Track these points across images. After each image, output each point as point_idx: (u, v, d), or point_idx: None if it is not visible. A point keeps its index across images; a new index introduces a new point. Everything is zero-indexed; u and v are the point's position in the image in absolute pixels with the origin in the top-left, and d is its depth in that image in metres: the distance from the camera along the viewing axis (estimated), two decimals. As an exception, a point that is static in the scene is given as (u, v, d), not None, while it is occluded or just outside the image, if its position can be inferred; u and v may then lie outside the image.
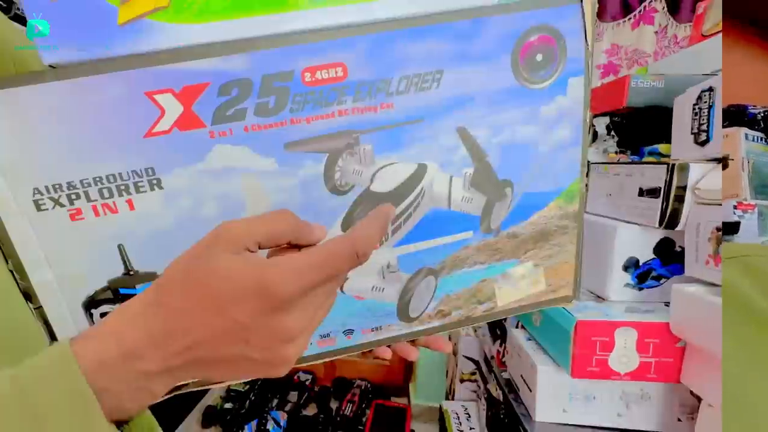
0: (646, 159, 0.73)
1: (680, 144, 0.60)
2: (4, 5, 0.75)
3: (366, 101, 0.33)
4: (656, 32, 1.62)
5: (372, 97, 0.34)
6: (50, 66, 0.30)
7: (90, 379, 0.24)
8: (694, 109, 0.57)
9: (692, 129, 0.57)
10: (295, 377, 1.42)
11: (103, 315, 0.35)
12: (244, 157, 0.33)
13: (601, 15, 1.67)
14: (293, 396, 1.33)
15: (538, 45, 0.35)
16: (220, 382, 0.29)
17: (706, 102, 0.55)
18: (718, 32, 0.88)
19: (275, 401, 1.31)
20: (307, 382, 1.40)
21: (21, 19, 0.31)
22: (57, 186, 0.32)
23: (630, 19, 1.66)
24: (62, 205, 0.32)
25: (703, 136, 0.55)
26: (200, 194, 0.33)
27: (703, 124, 0.55)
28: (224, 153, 0.33)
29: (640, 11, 1.64)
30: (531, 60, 0.35)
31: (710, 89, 0.54)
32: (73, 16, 0.30)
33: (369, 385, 1.38)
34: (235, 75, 0.31)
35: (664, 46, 1.65)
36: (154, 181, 0.32)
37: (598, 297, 0.66)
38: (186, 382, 0.35)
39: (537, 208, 0.40)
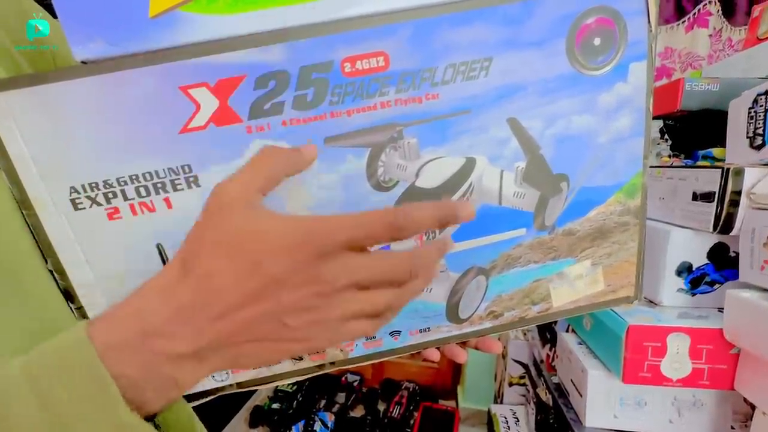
0: (699, 163, 0.68)
1: (735, 148, 0.55)
2: None
3: (410, 92, 0.29)
4: (710, 35, 1.51)
5: (416, 88, 0.29)
6: (82, 62, 0.28)
7: (107, 363, 0.20)
8: (749, 112, 0.52)
9: (747, 133, 0.52)
10: (343, 378, 1.38)
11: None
12: None
13: None
14: (341, 397, 1.29)
15: (596, 28, 0.29)
16: (252, 366, 0.25)
17: (762, 105, 0.50)
18: None
19: (323, 402, 1.28)
20: (355, 384, 1.35)
21: (49, 8, 0.29)
22: (93, 185, 0.29)
23: (684, 22, 1.55)
24: (99, 204, 0.29)
25: (759, 140, 0.50)
26: None
27: (759, 128, 0.50)
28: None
29: (694, 14, 1.53)
30: (588, 44, 0.30)
31: (766, 93, 0.49)
32: (103, 9, 0.27)
33: (417, 388, 1.32)
34: (272, 67, 0.28)
35: (719, 49, 1.53)
36: (191, 179, 0.29)
37: (651, 302, 0.61)
38: (222, 385, 0.30)
39: (595, 203, 0.34)
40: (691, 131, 0.71)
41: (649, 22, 0.30)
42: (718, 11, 1.50)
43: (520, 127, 0.31)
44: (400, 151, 0.30)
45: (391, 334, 0.35)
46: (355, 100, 0.29)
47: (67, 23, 0.27)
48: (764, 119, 0.49)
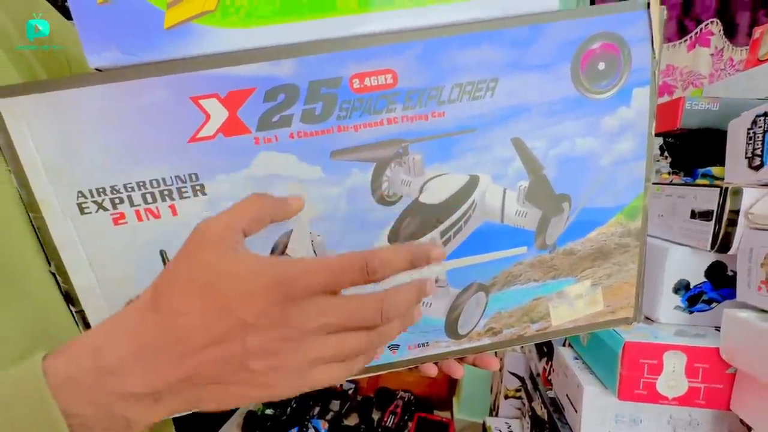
0: (699, 181, 0.68)
1: (734, 168, 0.55)
2: None
3: (416, 109, 0.30)
4: (712, 55, 1.53)
5: (423, 106, 0.30)
6: (96, 69, 0.28)
7: (60, 399, 0.20)
8: (748, 133, 0.52)
9: (746, 153, 0.52)
10: (338, 386, 1.37)
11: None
12: (289, 164, 0.30)
13: None
14: (335, 405, 1.29)
15: (601, 53, 0.30)
16: (212, 408, 0.24)
17: (761, 127, 0.50)
18: None
19: (317, 409, 1.27)
20: (350, 392, 1.35)
21: (67, 11, 0.29)
22: (101, 190, 0.29)
23: (686, 41, 1.57)
24: (105, 209, 0.30)
25: (757, 161, 0.50)
26: None
27: (757, 148, 0.51)
28: (269, 160, 0.30)
29: (696, 33, 1.54)
30: (593, 69, 0.30)
31: (765, 114, 0.49)
32: (119, 19, 0.27)
33: (412, 397, 1.32)
34: (282, 80, 0.28)
35: (720, 68, 1.55)
36: (198, 187, 0.30)
37: (647, 318, 0.61)
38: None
39: (596, 224, 0.35)
40: (691, 149, 0.71)
41: (653, 49, 0.30)
42: (719, 31, 1.51)
43: (524, 148, 0.31)
44: (405, 167, 0.31)
45: (390, 347, 0.35)
46: (362, 116, 0.29)
47: (83, 31, 0.27)
48: (762, 140, 0.49)
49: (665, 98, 1.58)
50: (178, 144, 0.29)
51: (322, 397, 1.30)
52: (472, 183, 0.32)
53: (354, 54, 0.28)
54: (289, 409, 1.21)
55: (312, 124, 0.29)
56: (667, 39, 1.56)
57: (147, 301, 0.22)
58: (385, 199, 0.31)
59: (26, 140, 0.28)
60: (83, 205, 0.29)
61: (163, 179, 0.29)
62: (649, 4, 0.30)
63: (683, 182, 0.71)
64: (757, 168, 0.50)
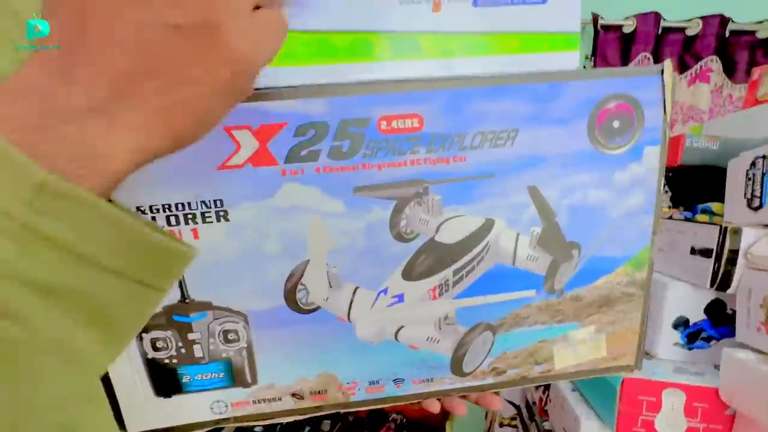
0: (699, 216, 0.69)
1: (733, 207, 0.56)
2: None
3: (439, 153, 0.31)
4: (712, 91, 1.56)
5: (445, 150, 0.31)
6: None
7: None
8: (747, 174, 0.53)
9: (745, 194, 0.53)
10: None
11: (154, 340, 0.33)
12: (312, 197, 0.31)
13: None
14: (326, 425, 1.27)
15: (616, 112, 0.32)
16: (189, 123, 0.20)
17: (759, 168, 0.51)
18: None
19: (307, 428, 1.26)
20: (341, 412, 1.33)
21: None
22: None
23: (686, 76, 1.60)
24: None
25: (756, 202, 0.51)
26: (265, 230, 0.31)
27: (756, 189, 0.52)
28: (294, 192, 0.31)
29: (696, 70, 1.58)
30: (607, 126, 0.32)
31: (764, 156, 0.51)
32: None
33: (405, 420, 1.31)
34: (313, 118, 0.30)
35: (719, 104, 1.58)
36: (221, 213, 0.31)
37: (647, 353, 0.61)
38: (220, 418, 0.29)
39: (603, 272, 0.36)
40: (691, 185, 0.72)
41: (665, 111, 0.32)
42: (719, 68, 1.55)
43: (539, 195, 0.32)
44: (424, 206, 0.32)
45: (395, 381, 0.36)
46: (387, 156, 0.30)
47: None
48: (762, 182, 0.50)
49: None
50: (208, 170, 0.30)
51: (313, 417, 1.29)
52: (487, 226, 0.33)
53: (383, 98, 0.30)
54: (279, 427, 1.21)
55: (338, 160, 0.30)
56: None
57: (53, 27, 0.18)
58: (402, 236, 0.32)
59: None
60: None
61: (189, 203, 0.30)
62: (663, 71, 0.31)
63: (683, 217, 0.72)
64: (757, 209, 0.51)
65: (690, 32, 1.55)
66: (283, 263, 0.32)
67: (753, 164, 0.52)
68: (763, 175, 0.50)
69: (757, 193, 0.51)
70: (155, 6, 0.17)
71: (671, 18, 1.54)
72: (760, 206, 0.50)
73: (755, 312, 0.47)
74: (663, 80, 0.31)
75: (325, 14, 0.28)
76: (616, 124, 0.32)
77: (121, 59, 0.18)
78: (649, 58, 1.57)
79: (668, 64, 0.31)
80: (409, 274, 0.33)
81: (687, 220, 0.68)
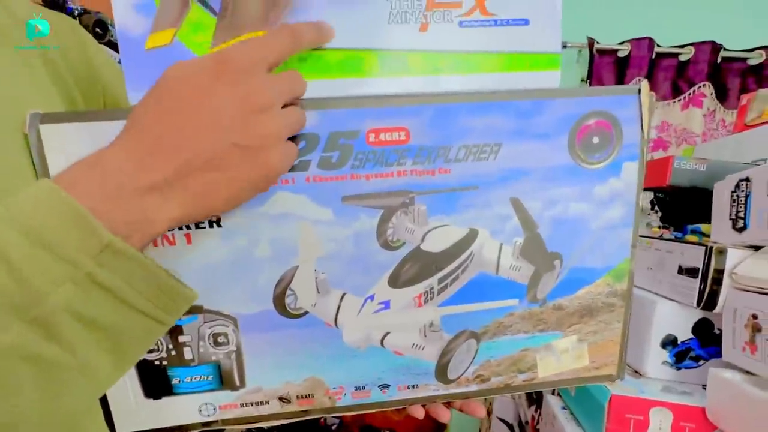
0: (688, 237, 0.70)
1: (719, 227, 0.57)
2: (100, 32, 0.78)
3: (424, 165, 0.32)
4: (704, 115, 1.60)
5: (431, 162, 0.32)
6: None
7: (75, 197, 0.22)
8: (732, 196, 0.55)
9: (730, 215, 0.55)
10: (322, 420, 1.35)
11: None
12: (302, 205, 0.32)
13: None
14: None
15: (595, 129, 0.33)
16: (221, 202, 0.27)
17: (743, 191, 0.53)
18: (760, 123, 0.86)
19: None
20: (334, 427, 1.32)
21: (115, 46, 0.32)
22: None
23: (679, 100, 1.64)
24: None
25: (741, 223, 0.53)
26: (256, 236, 0.32)
27: (740, 211, 0.53)
28: (284, 200, 0.32)
29: (689, 94, 1.62)
30: (587, 142, 0.34)
31: (747, 179, 0.52)
32: (164, 64, 0.29)
33: None
34: (305, 129, 0.31)
35: (712, 128, 1.61)
36: (214, 219, 0.32)
37: (636, 372, 0.61)
38: (208, 420, 0.34)
39: (585, 283, 0.37)
40: (681, 205, 0.74)
41: (642, 129, 0.34)
42: (711, 94, 1.59)
43: (522, 207, 0.34)
44: (410, 216, 0.33)
45: (380, 387, 0.37)
46: (374, 167, 0.32)
47: (129, 71, 0.30)
48: (745, 204, 0.51)
49: (660, 153, 1.64)
50: None
51: (305, 429, 1.28)
52: (471, 236, 0.34)
53: (372, 111, 0.31)
54: (267, 435, 1.19)
55: (328, 170, 0.32)
56: (662, 97, 1.63)
57: (127, 125, 0.26)
58: (389, 244, 0.34)
59: (62, 167, 0.29)
60: None
61: None
62: (640, 90, 0.33)
63: (673, 237, 0.73)
64: (741, 230, 0.52)
65: (683, 58, 1.59)
66: (273, 269, 0.33)
67: (737, 186, 0.53)
68: (747, 197, 0.51)
69: (741, 215, 0.52)
70: (226, 127, 0.25)
71: (664, 44, 1.59)
72: (744, 227, 0.51)
73: (740, 332, 0.47)
74: (640, 99, 0.33)
75: None
76: (595, 140, 0.33)
77: (187, 156, 0.24)
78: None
79: (645, 84, 0.33)
80: (395, 281, 0.34)
81: (676, 239, 0.69)
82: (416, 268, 0.34)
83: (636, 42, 1.60)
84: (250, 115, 0.25)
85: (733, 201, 0.54)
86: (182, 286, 0.27)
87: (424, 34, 0.32)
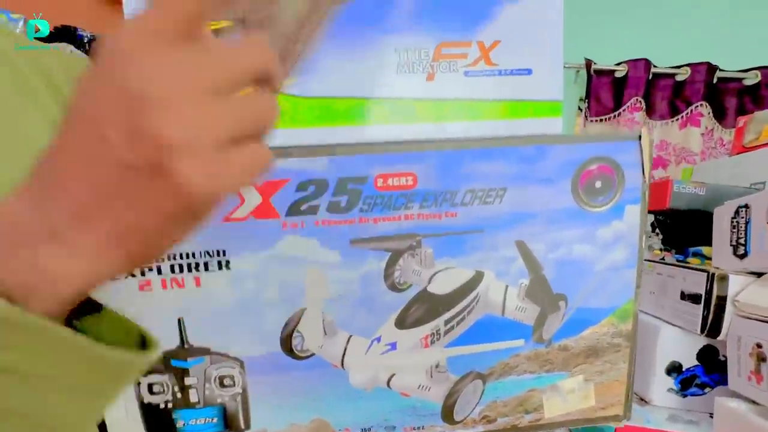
0: (690, 260, 0.70)
1: (721, 253, 0.57)
2: None
3: (431, 209, 0.33)
4: (702, 134, 1.61)
5: (437, 206, 0.33)
6: None
7: None
8: (732, 222, 0.55)
9: (731, 241, 0.54)
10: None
11: (151, 384, 0.34)
12: (311, 248, 0.33)
13: (650, 114, 1.66)
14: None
15: (598, 173, 0.34)
16: (145, 248, 0.20)
17: (743, 217, 0.53)
18: (758, 145, 0.87)
19: None
20: None
21: None
22: None
23: (677, 119, 1.65)
24: (133, 276, 0.32)
25: (742, 250, 0.52)
26: (264, 278, 0.33)
27: (741, 237, 0.53)
28: (293, 243, 0.33)
29: (687, 114, 1.63)
30: (590, 186, 0.34)
31: (746, 206, 0.52)
32: None
33: None
34: (314, 175, 0.32)
35: (711, 147, 1.63)
36: (224, 262, 0.32)
37: (641, 399, 0.61)
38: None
39: (590, 323, 0.37)
40: (681, 228, 0.74)
41: (643, 173, 0.35)
42: (708, 113, 1.60)
43: (527, 249, 0.35)
44: (417, 258, 0.34)
45: (386, 428, 0.37)
46: (382, 210, 0.33)
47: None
48: (746, 230, 0.51)
49: (659, 171, 1.65)
50: (213, 223, 0.31)
51: None
52: (477, 278, 0.35)
53: (380, 157, 0.32)
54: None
55: (336, 214, 0.32)
56: (660, 116, 1.65)
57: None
58: (396, 286, 0.34)
59: None
60: None
61: (194, 253, 0.32)
62: (640, 136, 0.34)
63: (675, 259, 0.73)
64: (742, 257, 0.51)
65: (679, 78, 1.60)
66: (280, 311, 0.33)
67: (737, 212, 0.53)
68: (747, 223, 0.51)
69: (742, 241, 0.52)
70: (112, 146, 0.18)
71: (661, 64, 1.61)
72: (746, 254, 0.51)
73: (745, 360, 0.47)
74: (641, 145, 0.34)
75: (328, 81, 0.31)
76: (598, 184, 0.34)
77: (79, 191, 0.18)
78: (640, 102, 1.62)
79: (645, 131, 0.34)
80: (402, 323, 0.34)
81: (679, 262, 0.69)
82: (423, 309, 0.35)
83: (633, 63, 1.62)
84: (135, 115, 0.17)
85: (734, 227, 0.54)
86: (121, 353, 0.21)
87: (430, 83, 0.33)
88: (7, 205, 0.19)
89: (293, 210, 0.32)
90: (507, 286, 0.35)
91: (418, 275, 0.34)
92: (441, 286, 0.34)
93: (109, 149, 0.18)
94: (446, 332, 0.35)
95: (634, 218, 0.35)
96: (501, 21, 0.33)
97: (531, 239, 0.34)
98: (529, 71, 0.33)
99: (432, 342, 0.35)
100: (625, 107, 1.63)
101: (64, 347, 0.19)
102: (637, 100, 1.61)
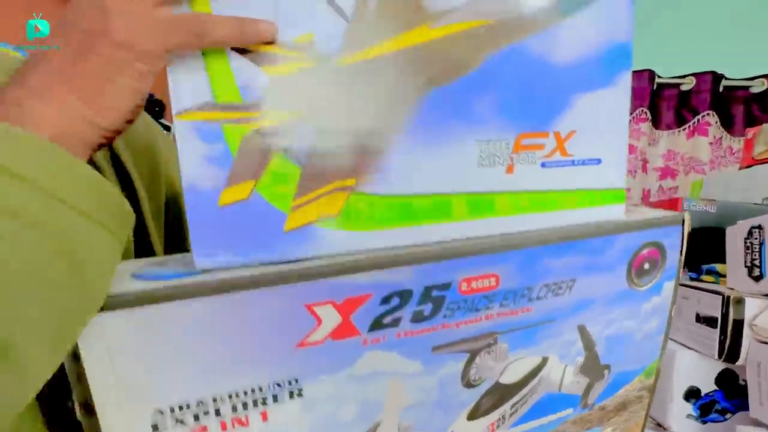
0: (704, 277, 0.70)
1: (735, 274, 0.57)
2: (158, 110, 0.74)
3: (510, 306, 0.33)
4: (711, 143, 1.60)
5: (515, 303, 0.33)
6: (203, 270, 0.26)
7: None
8: (746, 243, 0.55)
9: (745, 262, 0.55)
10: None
11: None
12: (392, 362, 0.31)
13: (656, 124, 1.65)
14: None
15: (648, 256, 0.37)
16: (117, 96, 0.25)
17: (756, 238, 0.53)
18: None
19: None
20: None
21: (167, 128, 0.30)
22: (184, 405, 0.27)
23: (684, 129, 1.63)
24: (184, 424, 0.27)
25: (757, 271, 0.53)
26: (341, 400, 0.30)
27: (755, 259, 0.53)
28: (374, 359, 0.30)
29: (694, 123, 1.61)
30: (641, 269, 0.37)
31: (760, 227, 0.52)
32: (240, 221, 0.27)
33: None
34: (399, 286, 0.29)
35: (720, 156, 1.62)
36: (296, 391, 0.29)
37: (659, 425, 0.62)
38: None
39: (624, 383, 0.41)
40: (694, 245, 0.77)
41: (681, 253, 0.38)
42: (716, 122, 1.59)
43: (586, 332, 0.37)
44: (492, 355, 0.34)
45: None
46: (464, 314, 0.32)
47: (196, 231, 0.26)
48: (760, 252, 0.51)
49: (668, 181, 1.67)
50: (284, 351, 0.28)
51: None
52: (543, 363, 0.36)
53: (464, 261, 0.31)
54: None
55: (420, 323, 0.31)
56: (666, 126, 1.65)
57: None
58: (470, 383, 0.34)
59: (102, 358, 0.24)
60: (159, 425, 0.26)
61: (260, 387, 0.28)
62: (683, 220, 0.37)
63: (688, 278, 0.74)
64: (758, 279, 0.52)
65: (684, 87, 1.61)
66: (356, 428, 0.31)
67: (750, 233, 0.54)
68: (761, 245, 0.52)
69: (757, 263, 0.52)
70: (84, 30, 0.23)
71: (665, 74, 1.60)
72: (761, 276, 0.52)
73: (767, 387, 0.47)
74: (683, 228, 0.37)
75: (409, 179, 0.29)
76: (646, 266, 0.37)
77: (54, 60, 0.23)
78: (646, 113, 1.63)
79: (687, 216, 0.37)
80: (473, 415, 0.35)
81: (692, 281, 0.68)
82: (493, 399, 0.35)
83: (636, 74, 1.60)
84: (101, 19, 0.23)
85: (747, 248, 0.54)
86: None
87: (509, 176, 0.32)
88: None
89: (375, 325, 0.29)
90: (566, 366, 0.37)
91: (491, 370, 0.34)
92: (511, 376, 0.35)
93: (82, 33, 0.23)
94: (510, 415, 0.37)
95: (669, 292, 0.39)
96: (576, 110, 0.32)
97: (590, 322, 0.36)
98: (598, 161, 0.34)
99: (497, 427, 0.36)
100: (630, 118, 1.63)
101: (65, 162, 0.22)
102: (642, 110, 1.62)
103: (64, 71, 0.23)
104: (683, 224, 0.37)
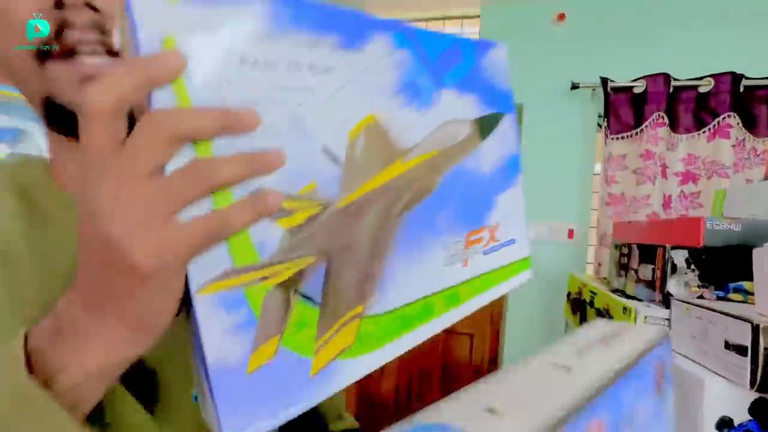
0: (732, 296, 0.68)
1: (762, 296, 0.54)
2: None
3: None
4: (734, 146, 1.54)
5: None
6: None
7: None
8: None
9: None
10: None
11: None
12: None
13: (674, 128, 1.61)
14: None
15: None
16: (152, 322, 0.24)
17: None
18: None
19: None
20: None
21: None
22: None
23: (704, 132, 1.58)
24: None
25: None
26: None
27: None
28: None
29: (714, 126, 1.56)
30: (659, 385, 0.39)
31: None
32: (268, 384, 0.26)
33: None
34: None
35: (744, 158, 1.56)
36: None
37: None
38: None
39: None
40: (718, 263, 0.70)
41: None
42: (738, 124, 1.53)
43: None
44: None
45: None
46: None
47: (223, 407, 0.24)
48: None
49: (690, 186, 1.60)
50: None
51: None
52: None
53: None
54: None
55: None
56: (685, 130, 1.59)
57: None
58: None
59: None
60: None
61: None
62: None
63: (715, 296, 0.70)
64: None
65: (702, 89, 1.57)
66: None
67: None
68: None
69: None
70: (102, 262, 0.23)
71: (681, 76, 1.55)
72: None
73: None
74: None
75: (400, 292, 0.33)
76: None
77: (89, 295, 0.24)
78: (663, 117, 1.58)
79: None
80: None
81: (719, 300, 0.66)
82: None
83: (651, 78, 1.57)
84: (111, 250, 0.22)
85: None
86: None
87: (466, 268, 0.39)
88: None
89: None
90: None
91: None
92: None
93: (102, 265, 0.23)
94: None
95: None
96: (498, 207, 0.42)
97: None
98: (513, 241, 0.43)
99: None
100: (647, 123, 1.59)
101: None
102: (659, 115, 1.57)
103: (104, 311, 0.24)
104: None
